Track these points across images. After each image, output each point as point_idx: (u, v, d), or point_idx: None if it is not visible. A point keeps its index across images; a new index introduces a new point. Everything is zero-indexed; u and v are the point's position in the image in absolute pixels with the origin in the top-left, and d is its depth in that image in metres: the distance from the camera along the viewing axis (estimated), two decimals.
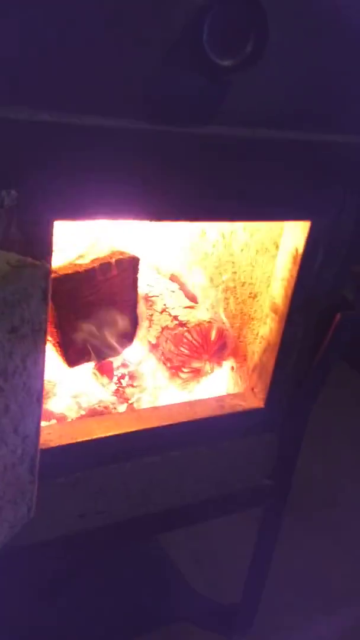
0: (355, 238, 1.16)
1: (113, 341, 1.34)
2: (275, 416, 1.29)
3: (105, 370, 1.38)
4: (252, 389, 1.30)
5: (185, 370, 1.37)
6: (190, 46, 0.86)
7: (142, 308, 1.40)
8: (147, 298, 1.42)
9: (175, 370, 1.37)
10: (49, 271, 0.84)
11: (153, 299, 1.42)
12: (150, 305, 1.42)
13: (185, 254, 1.52)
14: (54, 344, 1.31)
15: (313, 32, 0.96)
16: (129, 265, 1.33)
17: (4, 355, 0.81)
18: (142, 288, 1.42)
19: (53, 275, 1.24)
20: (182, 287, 1.50)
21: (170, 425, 1.19)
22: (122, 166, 0.90)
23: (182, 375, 1.37)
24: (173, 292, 1.44)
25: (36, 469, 0.96)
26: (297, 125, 1.03)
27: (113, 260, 1.30)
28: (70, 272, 1.26)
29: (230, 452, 1.28)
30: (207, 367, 1.37)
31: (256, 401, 1.28)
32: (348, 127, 1.07)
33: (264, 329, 1.25)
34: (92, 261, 1.29)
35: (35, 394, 0.91)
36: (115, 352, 1.35)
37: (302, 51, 0.97)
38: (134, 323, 1.39)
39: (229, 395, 1.33)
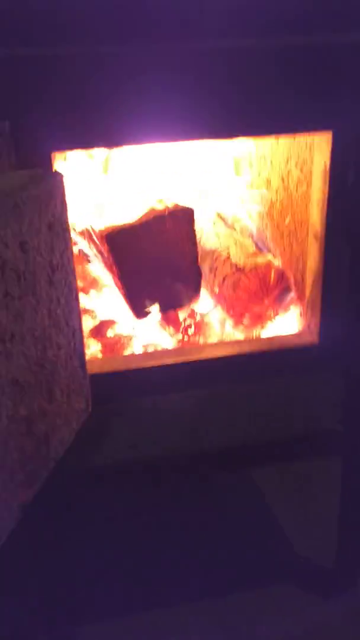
0: None
1: (177, 292, 1.39)
2: (334, 353, 1.23)
3: (171, 321, 1.43)
4: (309, 326, 1.25)
5: (247, 316, 1.36)
6: None
7: (205, 259, 1.43)
8: (212, 250, 1.45)
9: (237, 317, 1.37)
10: (62, 178, 0.93)
11: (219, 249, 1.44)
12: (216, 257, 1.44)
13: (252, 204, 1.52)
14: (121, 297, 1.39)
15: None
16: (183, 217, 1.37)
17: (49, 249, 0.91)
18: (209, 239, 1.45)
19: (108, 230, 1.34)
20: (251, 236, 1.50)
21: (214, 358, 1.20)
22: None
23: (244, 321, 1.36)
24: (237, 242, 1.45)
25: (85, 365, 1.04)
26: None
27: (166, 212, 1.35)
28: (125, 226, 1.34)
29: (286, 391, 1.24)
30: (270, 311, 1.35)
31: (310, 337, 1.24)
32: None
33: (310, 260, 1.21)
34: (146, 215, 1.36)
35: (74, 291, 1.01)
36: (180, 303, 1.40)
37: None
38: (197, 275, 1.42)
39: (286, 334, 1.29)
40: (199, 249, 1.41)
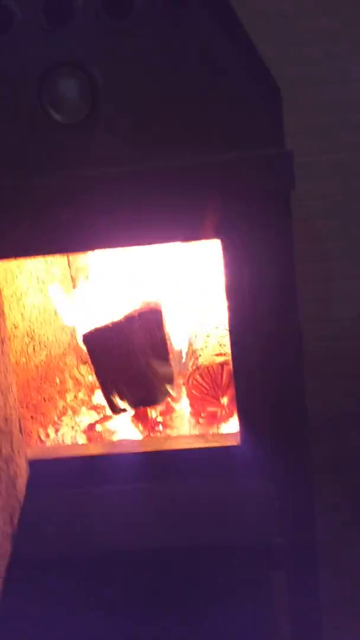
0: None
1: (150, 390, 1.46)
2: (261, 457, 1.19)
3: (141, 417, 1.48)
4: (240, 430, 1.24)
5: (203, 415, 1.38)
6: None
7: (178, 357, 1.48)
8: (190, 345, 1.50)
9: (196, 414, 1.39)
10: None
11: (195, 346, 1.49)
12: (193, 353, 1.49)
13: None
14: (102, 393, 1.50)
15: None
16: (152, 315, 1.46)
17: None
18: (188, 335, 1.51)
19: (85, 333, 1.48)
20: None
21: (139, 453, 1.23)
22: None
23: (200, 420, 1.38)
24: (208, 336, 1.48)
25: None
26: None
27: (136, 313, 1.46)
28: (99, 327, 1.47)
29: (214, 492, 1.22)
30: (224, 411, 1.35)
31: (235, 440, 1.21)
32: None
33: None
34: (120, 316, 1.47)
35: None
36: (153, 401, 1.46)
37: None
38: (168, 372, 1.47)
39: (219, 433, 1.28)
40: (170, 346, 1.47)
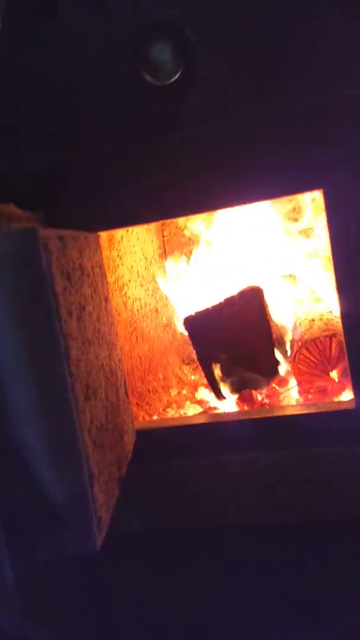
0: None
1: (252, 374, 1.42)
2: None
3: (247, 399, 1.44)
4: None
5: (311, 391, 1.32)
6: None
7: (285, 336, 1.44)
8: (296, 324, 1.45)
9: (303, 393, 1.33)
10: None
11: (300, 329, 1.44)
12: (299, 334, 1.44)
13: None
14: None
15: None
16: (253, 296, 1.43)
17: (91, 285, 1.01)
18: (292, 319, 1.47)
19: (186, 317, 1.47)
20: None
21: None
22: None
23: (309, 397, 1.32)
24: (313, 320, 1.43)
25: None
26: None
27: (236, 293, 1.43)
28: (200, 311, 1.45)
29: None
30: (333, 385, 1.29)
31: (350, 404, 1.15)
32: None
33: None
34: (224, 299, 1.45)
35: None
36: (256, 384, 1.42)
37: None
38: (271, 354, 1.42)
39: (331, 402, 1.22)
40: (275, 326, 1.43)
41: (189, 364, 1.84)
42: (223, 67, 1.08)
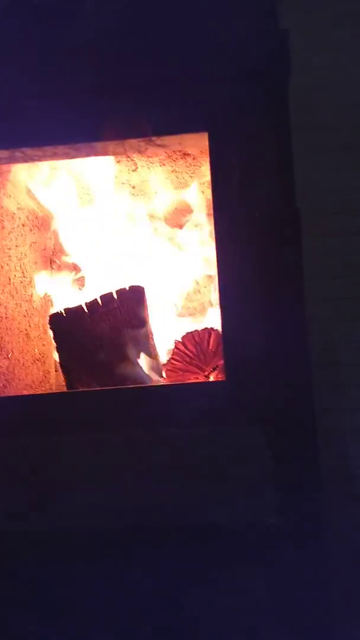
0: None
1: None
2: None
3: None
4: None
5: None
6: None
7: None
8: None
9: None
10: None
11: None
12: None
13: None
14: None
15: None
16: (132, 296, 1.28)
17: None
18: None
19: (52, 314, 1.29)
20: None
21: None
22: None
23: None
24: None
25: None
26: None
27: (114, 291, 1.28)
28: (69, 308, 1.28)
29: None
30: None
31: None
32: None
33: None
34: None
35: None
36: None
37: None
38: (151, 354, 1.25)
39: None
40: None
41: None
42: None
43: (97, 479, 0.94)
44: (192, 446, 0.93)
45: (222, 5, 0.98)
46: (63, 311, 1.28)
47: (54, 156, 1.11)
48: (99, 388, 1.04)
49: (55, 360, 1.50)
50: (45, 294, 1.51)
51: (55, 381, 1.55)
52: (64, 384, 1.34)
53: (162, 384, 1.01)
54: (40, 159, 1.12)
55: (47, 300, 1.54)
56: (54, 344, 1.29)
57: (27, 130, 1.02)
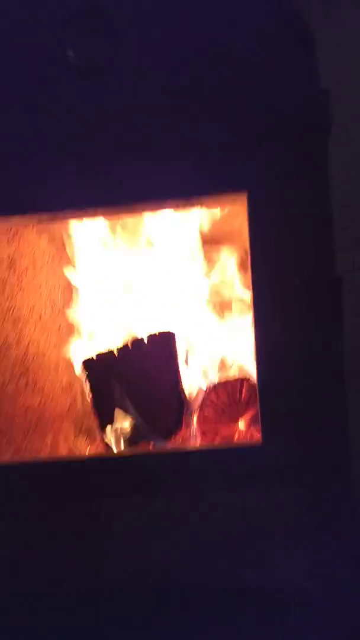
0: None
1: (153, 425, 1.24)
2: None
3: None
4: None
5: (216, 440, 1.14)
6: None
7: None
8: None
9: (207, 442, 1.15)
10: None
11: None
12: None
13: None
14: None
15: None
16: (163, 341, 1.29)
17: None
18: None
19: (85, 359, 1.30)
20: None
21: None
22: None
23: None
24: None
25: None
26: None
27: (146, 336, 1.29)
28: (101, 353, 1.29)
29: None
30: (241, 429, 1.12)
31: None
32: None
33: None
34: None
35: None
36: (151, 438, 1.23)
37: None
38: (178, 404, 1.26)
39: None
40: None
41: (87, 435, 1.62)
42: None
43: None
44: (228, 510, 0.94)
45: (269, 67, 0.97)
46: (94, 356, 1.29)
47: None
48: (137, 452, 1.05)
49: (82, 387, 1.53)
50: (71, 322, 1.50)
51: (82, 407, 1.57)
52: (90, 410, 1.35)
53: (199, 446, 1.02)
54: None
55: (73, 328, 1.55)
56: (88, 388, 1.30)
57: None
